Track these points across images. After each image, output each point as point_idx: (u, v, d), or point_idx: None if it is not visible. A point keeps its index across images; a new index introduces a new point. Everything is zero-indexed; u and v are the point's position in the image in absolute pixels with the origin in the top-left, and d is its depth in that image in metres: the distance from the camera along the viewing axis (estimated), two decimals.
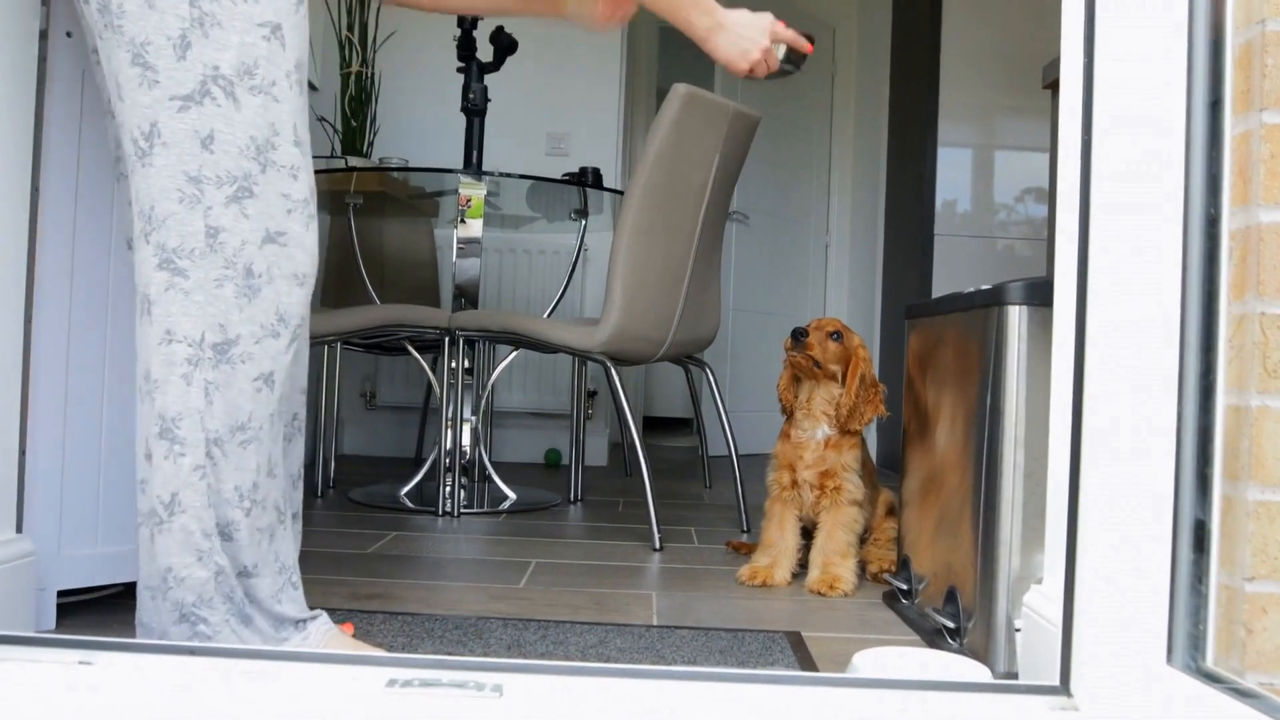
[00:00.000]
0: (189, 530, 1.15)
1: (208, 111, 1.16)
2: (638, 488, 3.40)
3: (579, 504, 3.02)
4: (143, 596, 1.20)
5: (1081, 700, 1.01)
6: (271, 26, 1.18)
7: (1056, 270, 1.19)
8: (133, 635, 1.37)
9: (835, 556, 1.95)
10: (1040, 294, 1.37)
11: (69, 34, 1.44)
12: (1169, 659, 0.94)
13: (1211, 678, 0.90)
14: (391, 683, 1.02)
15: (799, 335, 1.95)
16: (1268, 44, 0.91)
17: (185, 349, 1.15)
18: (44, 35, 1.40)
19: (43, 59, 1.41)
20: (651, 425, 4.92)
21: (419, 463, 3.10)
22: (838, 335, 1.97)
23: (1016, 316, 1.39)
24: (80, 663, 1.07)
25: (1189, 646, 0.93)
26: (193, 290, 1.15)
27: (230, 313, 1.16)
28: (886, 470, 4.21)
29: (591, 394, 3.99)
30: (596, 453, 4.07)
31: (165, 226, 1.15)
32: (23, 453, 1.41)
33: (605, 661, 1.42)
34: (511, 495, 2.97)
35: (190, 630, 1.17)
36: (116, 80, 1.18)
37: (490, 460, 3.12)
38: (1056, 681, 1.07)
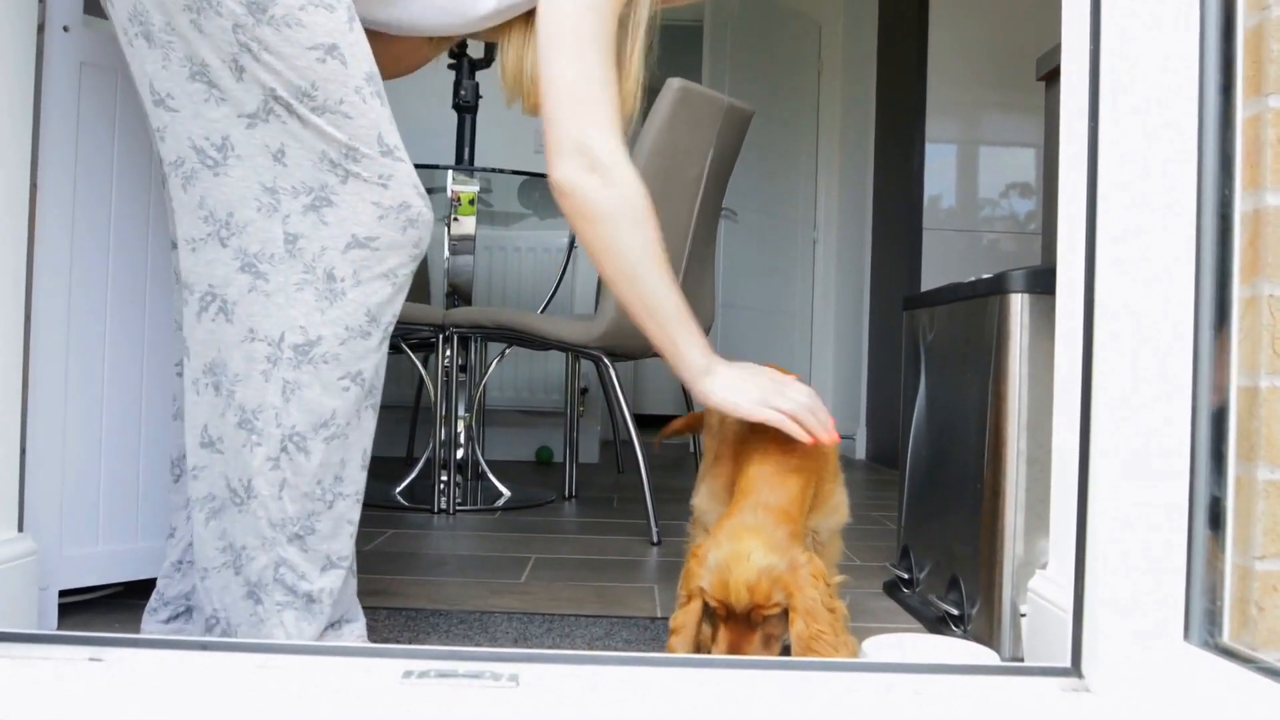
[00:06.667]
0: (258, 516, 1.20)
1: (274, 129, 1.18)
2: (631, 484, 3.40)
3: (573, 500, 3.02)
4: (204, 578, 1.23)
5: (1093, 680, 1.02)
6: (326, 48, 1.17)
7: (1059, 256, 1.20)
8: (137, 632, 1.37)
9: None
10: (1042, 282, 1.38)
11: (66, 28, 1.44)
12: (1186, 636, 0.95)
13: (1230, 654, 0.91)
14: (407, 674, 1.02)
15: None
16: (1275, 29, 0.92)
17: (265, 348, 1.19)
18: (41, 29, 1.39)
19: (40, 52, 1.39)
20: (641, 423, 4.91)
21: (410, 461, 3.10)
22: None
23: (1018, 304, 1.40)
24: (90, 659, 1.06)
25: (1206, 623, 0.94)
26: (273, 293, 1.19)
27: (311, 315, 1.19)
28: (878, 465, 4.24)
29: (583, 391, 3.99)
30: (588, 450, 4.07)
31: (245, 233, 1.19)
32: (23, 451, 1.40)
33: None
34: (506, 492, 2.96)
35: (251, 607, 1.21)
36: (165, 90, 1.19)
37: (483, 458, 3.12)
38: (1067, 663, 1.08)
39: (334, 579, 1.24)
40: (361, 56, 1.20)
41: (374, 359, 1.24)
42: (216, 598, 1.23)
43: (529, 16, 1.37)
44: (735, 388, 1.30)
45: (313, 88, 1.17)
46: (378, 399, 1.28)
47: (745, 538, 1.21)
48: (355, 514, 1.27)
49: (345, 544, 1.25)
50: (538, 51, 1.29)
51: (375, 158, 1.21)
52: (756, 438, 1.34)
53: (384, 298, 1.23)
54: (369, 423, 1.27)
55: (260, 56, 1.16)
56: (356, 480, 1.26)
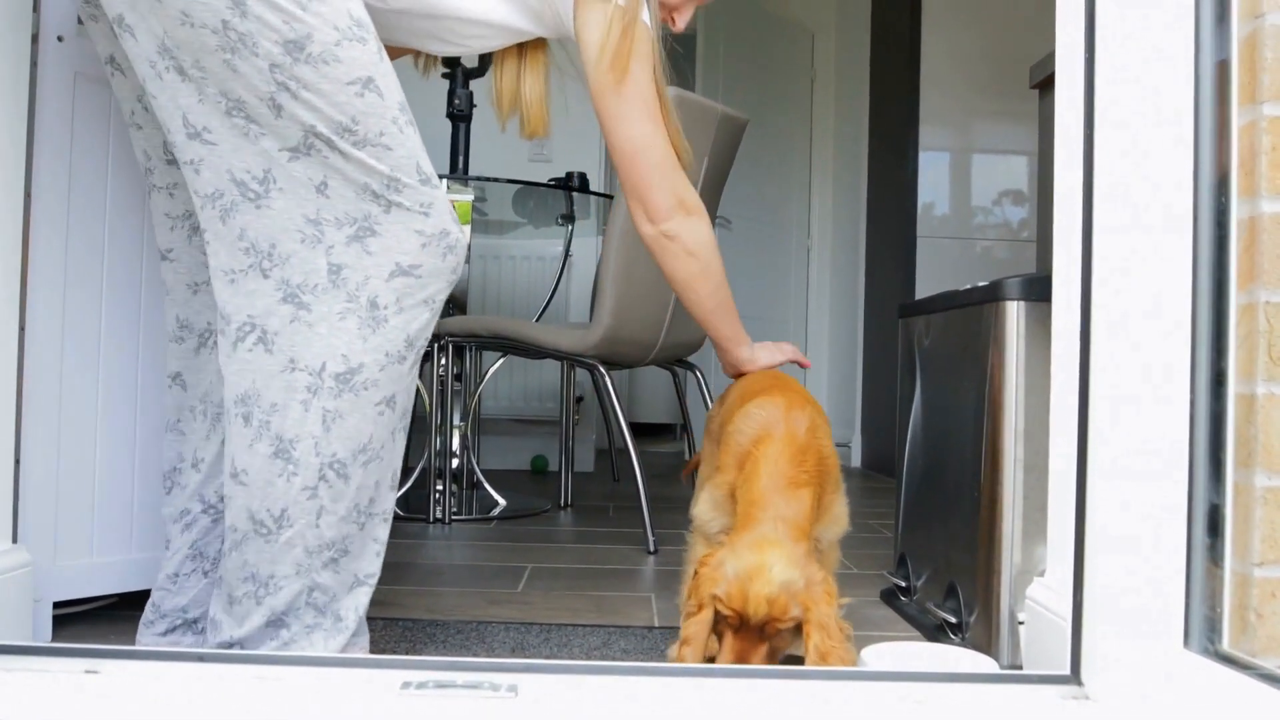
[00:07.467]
0: (292, 545, 1.20)
1: (315, 162, 1.18)
2: (626, 493, 3.40)
3: (569, 509, 3.02)
4: (220, 600, 1.24)
5: (1094, 689, 1.02)
6: (363, 81, 1.17)
7: (1055, 264, 1.20)
8: (131, 644, 1.36)
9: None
10: (1037, 289, 1.38)
11: (60, 38, 1.43)
12: (1186, 643, 0.95)
13: (1230, 660, 0.91)
14: (406, 685, 1.01)
15: None
16: (1268, 37, 0.92)
17: (306, 377, 1.19)
18: (35, 39, 1.39)
19: (34, 63, 1.39)
20: (636, 431, 4.91)
21: (405, 471, 3.08)
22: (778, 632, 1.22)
23: (1015, 311, 1.40)
24: (87, 671, 1.05)
25: (1206, 630, 0.94)
26: (316, 323, 1.19)
27: (353, 343, 1.20)
28: (874, 473, 4.24)
29: (578, 400, 3.99)
30: (583, 459, 4.06)
31: (288, 264, 1.19)
32: (17, 463, 1.39)
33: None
34: (502, 501, 2.96)
35: (274, 633, 1.21)
36: (202, 123, 1.18)
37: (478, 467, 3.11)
38: (1066, 671, 1.08)
39: (361, 596, 1.25)
40: (394, 87, 1.21)
41: (406, 382, 1.25)
42: (230, 628, 1.23)
43: (523, 43, 1.41)
44: (766, 350, 1.66)
45: (353, 122, 1.17)
46: (408, 421, 1.29)
47: (767, 551, 1.21)
48: (384, 533, 1.28)
49: (373, 562, 1.26)
50: (609, 121, 1.37)
51: (416, 187, 1.21)
52: (762, 448, 1.34)
53: (423, 323, 1.25)
54: (401, 444, 1.28)
55: (299, 95, 1.15)
56: (386, 500, 1.28)
